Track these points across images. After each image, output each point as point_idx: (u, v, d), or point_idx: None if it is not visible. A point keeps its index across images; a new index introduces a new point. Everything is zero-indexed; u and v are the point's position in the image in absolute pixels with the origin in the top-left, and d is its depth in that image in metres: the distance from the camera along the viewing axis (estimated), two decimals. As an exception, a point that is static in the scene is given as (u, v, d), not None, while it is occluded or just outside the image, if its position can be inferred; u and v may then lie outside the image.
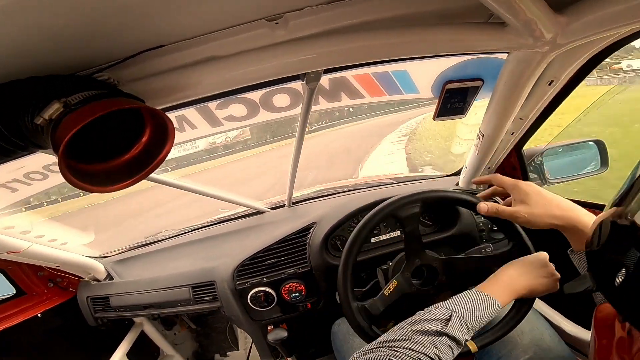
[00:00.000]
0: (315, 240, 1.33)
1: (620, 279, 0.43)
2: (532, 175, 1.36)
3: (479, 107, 1.13)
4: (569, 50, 0.71)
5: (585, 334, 1.13)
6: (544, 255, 0.82)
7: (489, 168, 1.35)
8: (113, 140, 0.60)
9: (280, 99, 1.03)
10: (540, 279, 0.78)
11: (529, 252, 0.88)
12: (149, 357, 1.93)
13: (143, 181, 0.66)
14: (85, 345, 1.64)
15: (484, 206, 0.85)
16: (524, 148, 1.31)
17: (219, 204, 1.68)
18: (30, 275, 1.52)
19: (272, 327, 1.42)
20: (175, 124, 1.01)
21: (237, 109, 1.01)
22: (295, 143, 1.28)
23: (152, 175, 1.23)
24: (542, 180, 1.34)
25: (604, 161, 1.27)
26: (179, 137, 1.09)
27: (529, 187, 0.80)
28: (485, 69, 0.96)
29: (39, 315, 1.45)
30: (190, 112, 0.98)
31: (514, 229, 0.90)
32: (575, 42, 0.68)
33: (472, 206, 0.91)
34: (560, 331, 1.17)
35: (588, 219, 0.72)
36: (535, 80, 0.84)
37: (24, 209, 1.37)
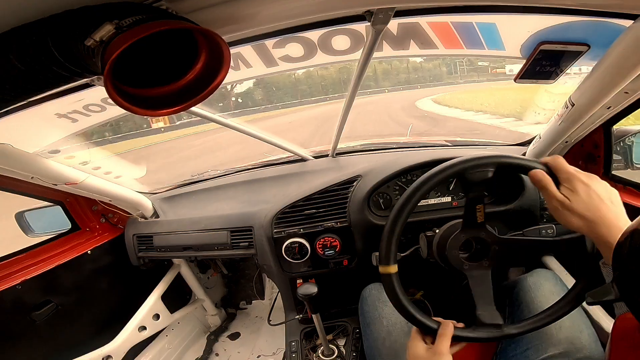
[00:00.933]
0: (358, 194, 1.28)
1: None
2: (616, 157, 1.19)
3: (569, 75, 0.96)
4: None
5: None
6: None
7: (566, 142, 1.19)
8: (168, 66, 0.56)
9: (340, 41, 0.92)
10: None
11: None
12: (181, 299, 2.04)
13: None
14: (126, 285, 1.74)
15: (539, 174, 0.72)
16: (615, 127, 1.13)
17: (263, 148, 1.67)
18: (86, 210, 1.60)
19: (301, 280, 1.43)
20: (231, 63, 0.95)
21: (294, 48, 0.92)
22: (350, 91, 1.19)
23: (202, 111, 1.24)
24: (628, 164, 1.18)
25: None
26: (233, 75, 1.04)
27: (584, 186, 0.68)
28: (593, 34, 0.79)
29: (89, 252, 1.54)
30: (246, 50, 0.91)
31: None
32: None
33: (527, 169, 0.76)
34: (599, 329, 1.09)
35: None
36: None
37: (85, 143, 1.43)
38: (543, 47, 0.83)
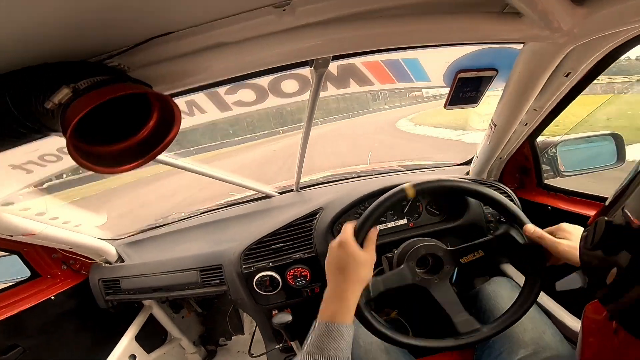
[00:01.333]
0: (321, 225, 1.34)
1: (611, 279, 0.43)
2: (545, 167, 1.34)
3: (491, 97, 1.11)
4: (589, 41, 0.69)
5: None
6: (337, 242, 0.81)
7: (500, 158, 1.33)
8: (122, 124, 0.61)
9: (289, 85, 1.02)
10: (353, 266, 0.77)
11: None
12: (157, 340, 1.97)
13: (155, 167, 0.68)
14: (95, 328, 1.68)
15: (531, 227, 0.85)
16: (538, 140, 1.28)
17: (228, 188, 1.71)
18: (45, 258, 1.55)
19: (276, 312, 1.43)
20: (185, 109, 1.02)
21: (245, 94, 1.01)
22: (304, 128, 1.28)
23: (164, 158, 1.28)
24: (555, 173, 1.32)
25: (621, 156, 1.23)
26: (189, 121, 1.11)
27: (573, 227, 0.81)
28: (499, 58, 0.93)
29: (52, 297, 1.49)
30: (199, 97, 0.99)
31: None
32: (595, 35, 0.65)
33: (521, 223, 0.88)
34: (562, 326, 1.17)
35: None
36: (551, 72, 0.82)
37: (39, 192, 1.41)
38: (460, 75, 0.97)
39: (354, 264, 0.76)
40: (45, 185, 1.37)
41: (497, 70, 0.96)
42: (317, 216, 1.38)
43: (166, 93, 0.69)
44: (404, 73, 1.03)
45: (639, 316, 0.43)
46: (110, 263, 1.67)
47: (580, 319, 1.15)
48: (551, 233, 0.83)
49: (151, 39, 0.58)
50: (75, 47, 0.55)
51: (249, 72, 0.78)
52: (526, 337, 0.92)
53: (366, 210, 0.87)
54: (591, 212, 1.13)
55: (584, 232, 0.53)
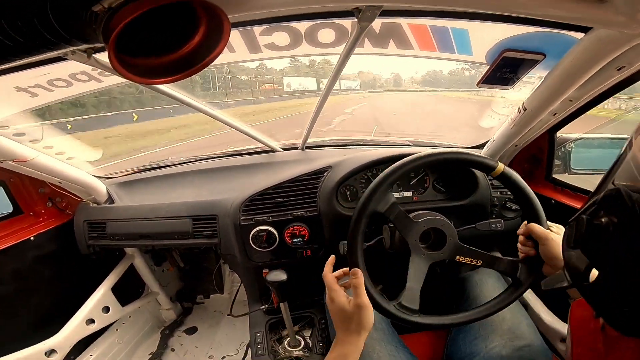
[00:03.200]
0: (328, 185, 1.31)
1: (595, 276, 0.44)
2: (556, 162, 1.34)
3: (525, 83, 1.07)
4: (653, 38, 0.65)
5: (559, 325, 1.19)
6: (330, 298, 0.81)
7: (516, 145, 1.32)
8: (166, 37, 0.56)
9: (326, 34, 0.94)
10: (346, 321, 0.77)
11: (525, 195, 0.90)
12: (134, 292, 1.92)
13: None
14: (72, 275, 1.60)
15: (536, 227, 0.86)
16: (558, 134, 1.28)
17: (231, 138, 1.64)
18: (31, 191, 1.46)
19: (267, 270, 1.41)
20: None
21: (280, 37, 0.93)
22: (328, 83, 1.22)
23: (177, 94, 1.20)
24: (566, 168, 1.33)
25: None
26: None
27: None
28: (550, 44, 0.88)
29: (32, 238, 1.41)
30: (232, 35, 0.90)
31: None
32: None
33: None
34: (537, 319, 1.24)
35: None
36: (605, 63, 0.79)
37: (38, 118, 1.31)
38: (506, 54, 0.92)
39: (345, 318, 0.76)
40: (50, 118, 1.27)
41: (545, 55, 0.92)
42: (325, 174, 1.34)
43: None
44: (448, 42, 0.97)
45: (623, 313, 0.44)
46: (98, 203, 1.58)
47: (554, 313, 1.22)
48: (540, 239, 0.84)
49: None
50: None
51: (293, 14, 0.72)
52: (504, 326, 0.96)
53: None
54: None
55: (565, 230, 0.54)
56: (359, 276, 0.79)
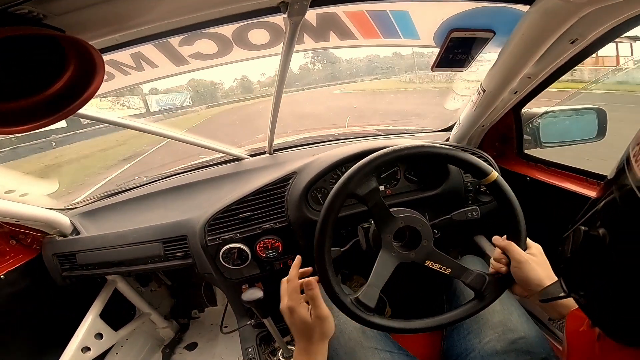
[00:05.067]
0: (295, 192, 1.24)
1: (590, 287, 0.44)
2: (526, 137, 1.30)
3: (481, 62, 1.02)
4: (603, 8, 0.60)
5: None
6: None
7: (482, 126, 1.27)
8: (33, 77, 0.48)
9: (258, 35, 0.87)
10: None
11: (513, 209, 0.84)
12: (125, 316, 1.87)
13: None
14: (54, 308, 1.54)
15: (499, 238, 0.85)
16: (522, 110, 1.23)
17: (195, 151, 1.56)
18: None
19: (246, 286, 1.37)
20: (132, 62, 0.85)
21: (205, 45, 0.85)
22: (276, 86, 1.14)
23: (118, 119, 1.11)
24: (536, 143, 1.29)
25: (602, 130, 1.21)
26: (138, 76, 0.93)
27: (537, 249, 0.83)
28: (498, 19, 0.84)
29: (2, 276, 1.33)
30: (147, 49, 0.82)
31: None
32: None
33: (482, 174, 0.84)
34: (533, 307, 1.19)
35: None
36: (557, 37, 0.73)
37: None
38: (454, 34, 0.87)
39: (305, 329, 0.74)
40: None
41: (494, 32, 0.86)
42: (290, 182, 1.27)
43: (99, 45, 0.54)
44: (391, 28, 0.90)
45: (620, 323, 0.44)
46: (64, 236, 1.51)
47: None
48: (514, 257, 0.81)
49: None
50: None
51: (206, 18, 0.64)
52: (495, 319, 0.92)
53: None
54: (569, 185, 1.11)
55: (561, 241, 0.53)
56: (314, 287, 0.76)
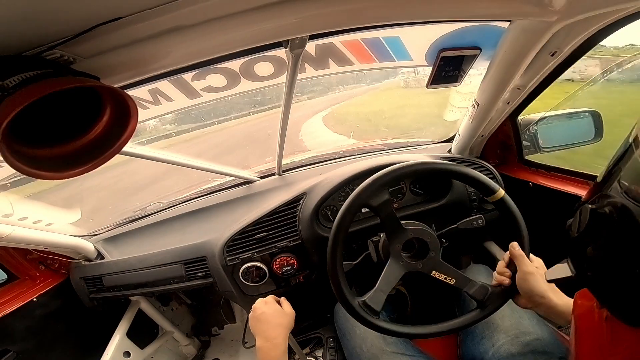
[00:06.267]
0: (306, 211, 1.30)
1: (598, 266, 0.43)
2: (525, 144, 1.34)
3: (473, 76, 1.08)
4: (577, 21, 0.66)
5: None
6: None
7: (482, 136, 1.32)
8: (71, 123, 0.55)
9: (263, 68, 0.95)
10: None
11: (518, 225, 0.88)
12: (149, 335, 1.94)
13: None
14: (84, 327, 1.63)
15: (516, 245, 0.85)
16: (519, 117, 1.27)
17: (206, 176, 1.63)
18: (19, 259, 1.47)
19: None
20: (149, 97, 0.94)
21: (215, 79, 0.94)
22: (282, 112, 1.21)
23: (129, 149, 1.20)
24: (536, 148, 1.32)
25: (599, 132, 1.24)
26: (155, 110, 1.02)
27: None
28: (483, 37, 0.90)
29: (35, 299, 1.42)
30: (164, 85, 0.90)
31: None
32: (585, 14, 0.62)
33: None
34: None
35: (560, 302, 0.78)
36: (537, 50, 0.79)
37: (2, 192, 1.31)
38: (443, 54, 0.93)
39: (276, 314, 0.96)
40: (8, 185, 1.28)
41: (480, 49, 0.93)
42: (301, 202, 1.34)
43: (121, 84, 0.62)
44: (385, 52, 0.97)
45: (627, 303, 0.43)
46: (90, 260, 1.60)
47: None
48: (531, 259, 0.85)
49: (97, 26, 0.50)
50: (8, 40, 0.47)
51: (215, 57, 0.72)
52: (506, 323, 0.94)
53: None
54: (571, 189, 1.14)
55: (568, 222, 0.52)
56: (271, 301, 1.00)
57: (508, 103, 1.09)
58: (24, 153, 0.49)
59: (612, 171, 0.45)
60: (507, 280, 0.85)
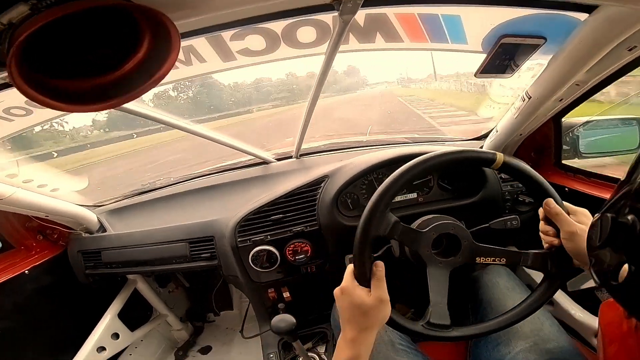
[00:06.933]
0: (327, 196, 1.22)
1: (624, 275, 0.41)
2: (565, 147, 1.27)
3: (522, 70, 1.00)
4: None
5: (591, 319, 1.08)
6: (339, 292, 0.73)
7: (520, 135, 1.25)
8: (104, 55, 0.47)
9: (306, 33, 0.86)
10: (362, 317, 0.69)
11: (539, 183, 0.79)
12: (142, 316, 1.87)
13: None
14: (76, 305, 1.55)
15: (552, 202, 0.76)
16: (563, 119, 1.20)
17: (221, 153, 1.56)
18: (17, 227, 1.41)
19: (272, 290, 1.35)
20: (182, 57, 0.86)
21: (254, 40, 0.85)
22: (315, 86, 1.13)
23: (150, 113, 1.12)
24: (575, 153, 1.25)
25: (644, 141, 1.17)
26: (186, 71, 0.94)
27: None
28: (550, 26, 0.81)
29: (26, 272, 1.35)
30: (199, 43, 0.82)
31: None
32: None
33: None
34: (566, 316, 1.14)
35: None
36: (615, 44, 0.72)
37: (11, 152, 1.24)
38: (504, 40, 0.85)
39: (360, 313, 0.68)
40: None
41: (545, 39, 0.84)
42: (323, 185, 1.26)
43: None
44: (440, 31, 0.89)
45: None
46: (91, 233, 1.52)
47: (583, 307, 1.14)
48: (571, 213, 0.76)
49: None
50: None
51: (264, 13, 0.64)
52: (525, 329, 0.88)
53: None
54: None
55: (589, 230, 0.51)
56: (381, 268, 0.72)
57: (560, 100, 1.01)
58: (44, 83, 0.42)
59: (633, 179, 0.44)
60: (555, 240, 0.75)
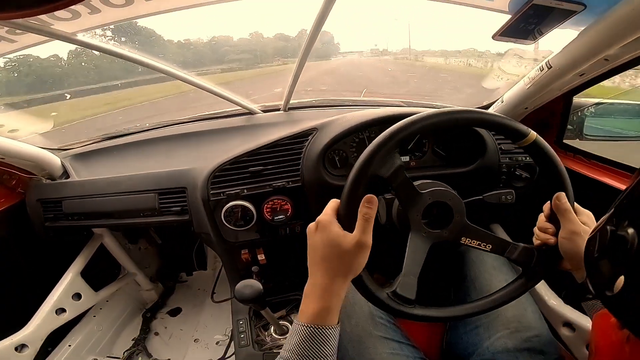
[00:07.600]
0: (314, 150, 1.12)
1: (619, 286, 0.41)
2: (568, 127, 1.21)
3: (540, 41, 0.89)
4: None
5: (565, 309, 1.06)
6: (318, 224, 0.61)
7: (526, 108, 1.17)
8: None
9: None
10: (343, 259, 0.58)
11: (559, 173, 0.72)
12: (109, 275, 1.75)
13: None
14: (34, 261, 1.42)
15: (563, 197, 0.70)
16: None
17: (202, 101, 1.41)
18: None
19: (246, 251, 1.27)
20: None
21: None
22: (310, 33, 1.01)
23: (138, 56, 0.95)
24: (578, 134, 1.20)
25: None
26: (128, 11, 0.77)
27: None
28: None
29: None
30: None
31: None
32: None
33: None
34: (540, 301, 1.12)
35: None
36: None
37: None
38: (537, 1, 0.74)
39: (335, 255, 0.57)
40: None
41: (585, 6, 0.73)
42: (310, 138, 1.15)
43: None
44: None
45: None
46: (53, 179, 1.37)
47: (560, 297, 1.14)
48: (578, 211, 0.70)
49: None
50: None
51: None
52: (508, 314, 0.86)
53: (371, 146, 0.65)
54: (610, 181, 1.04)
55: (587, 240, 0.50)
56: (374, 205, 0.60)
57: (581, 75, 0.92)
58: None
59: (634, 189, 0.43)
60: (552, 239, 0.70)
